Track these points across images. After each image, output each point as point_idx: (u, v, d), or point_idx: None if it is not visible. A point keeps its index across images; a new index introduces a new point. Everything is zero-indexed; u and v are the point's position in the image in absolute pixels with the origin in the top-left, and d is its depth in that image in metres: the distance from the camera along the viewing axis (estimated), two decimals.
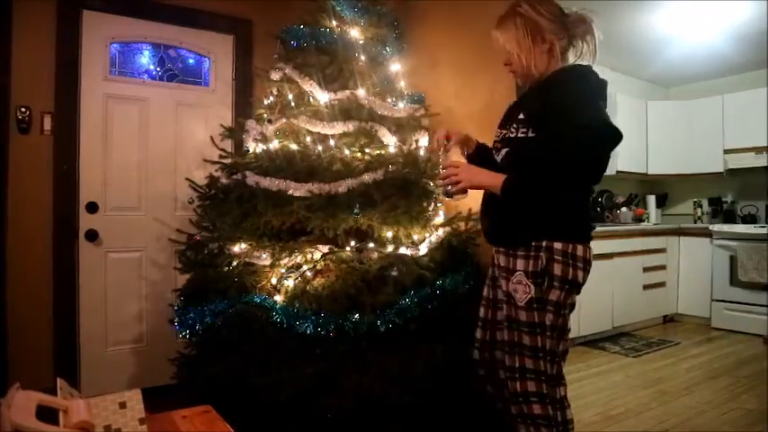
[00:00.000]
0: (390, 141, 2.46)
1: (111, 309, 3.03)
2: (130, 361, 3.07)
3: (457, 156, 1.84)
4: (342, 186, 2.26)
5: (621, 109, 5.09)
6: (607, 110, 1.58)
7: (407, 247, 2.28)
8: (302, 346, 2.06)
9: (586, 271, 1.63)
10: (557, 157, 1.49)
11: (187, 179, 2.81)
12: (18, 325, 2.72)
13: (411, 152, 2.46)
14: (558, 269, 1.57)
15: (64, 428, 0.91)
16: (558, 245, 1.57)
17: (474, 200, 2.65)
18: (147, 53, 3.20)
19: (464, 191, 1.71)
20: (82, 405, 0.96)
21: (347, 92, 2.46)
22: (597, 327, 4.31)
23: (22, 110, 2.74)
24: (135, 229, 3.10)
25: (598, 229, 4.52)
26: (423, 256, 2.28)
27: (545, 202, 1.58)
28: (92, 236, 2.96)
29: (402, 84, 2.70)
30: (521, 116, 1.66)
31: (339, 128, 2.43)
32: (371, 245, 2.26)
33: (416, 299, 2.13)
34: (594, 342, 4.24)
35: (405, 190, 2.37)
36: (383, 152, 2.43)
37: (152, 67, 3.21)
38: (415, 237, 2.32)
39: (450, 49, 2.92)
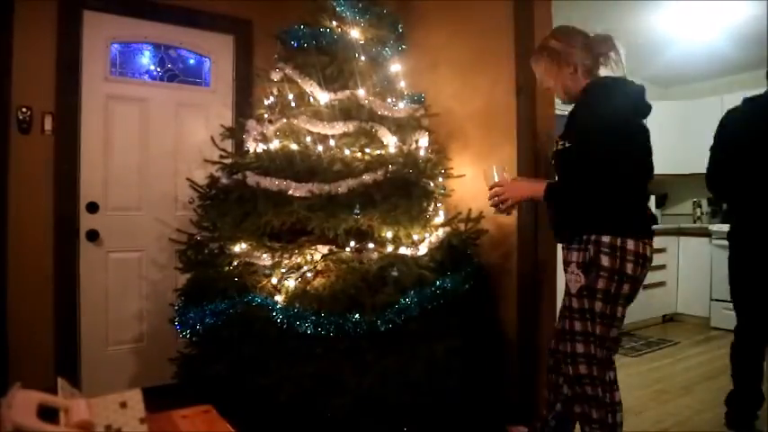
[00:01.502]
0: (390, 141, 2.47)
1: (112, 308, 3.03)
2: (131, 360, 3.08)
3: (501, 176, 2.01)
4: (342, 186, 2.26)
5: None
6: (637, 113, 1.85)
7: (407, 247, 2.29)
8: (302, 346, 2.06)
9: (638, 264, 1.74)
10: (579, 162, 1.75)
11: (187, 179, 2.81)
12: (19, 324, 2.72)
13: (411, 152, 2.46)
14: (605, 260, 1.71)
15: (65, 428, 0.91)
16: (605, 238, 1.72)
17: (473, 199, 2.66)
18: (147, 53, 3.20)
19: (513, 205, 1.95)
20: (82, 404, 0.96)
21: (347, 92, 2.47)
22: None
23: (23, 110, 2.75)
24: (135, 229, 3.10)
25: None
26: (423, 256, 2.28)
27: (589, 201, 1.76)
28: (92, 236, 2.96)
29: (402, 84, 2.71)
30: (563, 131, 1.89)
31: (339, 128, 2.44)
32: (371, 245, 2.27)
33: (416, 299, 2.13)
34: None
35: (405, 190, 2.37)
36: (383, 152, 2.43)
37: (152, 67, 3.21)
38: (415, 237, 2.33)
39: (450, 50, 2.92)
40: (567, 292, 1.83)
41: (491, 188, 1.95)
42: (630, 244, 1.71)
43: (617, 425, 1.77)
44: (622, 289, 1.74)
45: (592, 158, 1.71)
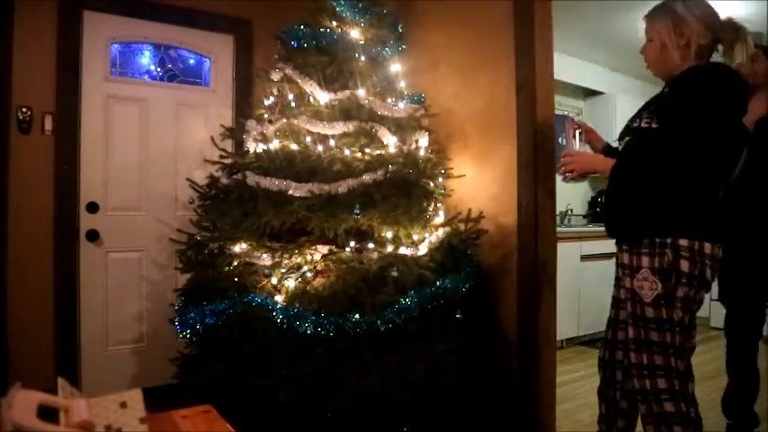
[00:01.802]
0: (390, 141, 2.47)
1: (112, 308, 3.03)
2: (131, 361, 3.08)
3: (579, 146, 1.95)
4: (342, 186, 2.26)
5: (621, 109, 5.09)
6: (733, 112, 1.60)
7: (407, 247, 2.28)
8: (302, 346, 2.06)
9: (714, 269, 1.64)
10: (663, 153, 1.56)
11: (187, 179, 2.81)
12: (19, 324, 2.72)
13: (411, 152, 2.46)
14: (685, 266, 1.59)
15: (65, 428, 0.91)
16: (683, 242, 1.59)
17: (473, 199, 2.66)
18: (147, 53, 3.20)
19: (579, 176, 1.79)
20: (83, 404, 0.96)
21: (347, 92, 2.47)
22: (597, 326, 4.31)
23: (23, 110, 2.75)
24: (135, 229, 3.10)
25: (598, 228, 4.53)
26: (423, 256, 2.28)
27: (664, 198, 1.61)
28: (92, 236, 2.96)
29: (402, 84, 2.71)
30: (652, 108, 1.71)
31: (339, 128, 2.44)
32: (371, 245, 2.26)
33: (416, 299, 2.13)
34: (594, 342, 4.24)
35: (405, 190, 2.37)
36: (383, 152, 2.43)
37: (152, 67, 3.21)
38: (415, 237, 2.33)
39: (450, 50, 2.92)
40: (634, 300, 1.67)
41: (562, 155, 1.80)
42: (707, 247, 1.60)
43: None
44: (699, 295, 1.65)
45: (691, 150, 1.53)
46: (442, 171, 2.66)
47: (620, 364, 1.87)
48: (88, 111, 2.96)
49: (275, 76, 2.65)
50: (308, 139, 2.46)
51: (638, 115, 1.75)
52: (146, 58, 3.20)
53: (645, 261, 1.63)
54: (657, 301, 1.61)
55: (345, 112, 2.47)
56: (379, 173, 2.31)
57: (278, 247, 2.28)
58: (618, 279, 1.85)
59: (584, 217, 5.30)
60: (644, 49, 1.80)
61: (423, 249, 2.30)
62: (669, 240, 1.60)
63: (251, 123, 2.67)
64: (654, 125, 1.65)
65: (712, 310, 4.77)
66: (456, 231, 2.42)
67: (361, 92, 2.47)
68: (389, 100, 2.58)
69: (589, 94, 5.31)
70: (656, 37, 1.73)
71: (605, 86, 5.24)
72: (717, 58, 1.73)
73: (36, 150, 2.79)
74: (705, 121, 1.53)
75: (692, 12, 1.67)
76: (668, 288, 1.60)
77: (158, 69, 3.22)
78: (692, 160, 1.54)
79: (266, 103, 2.70)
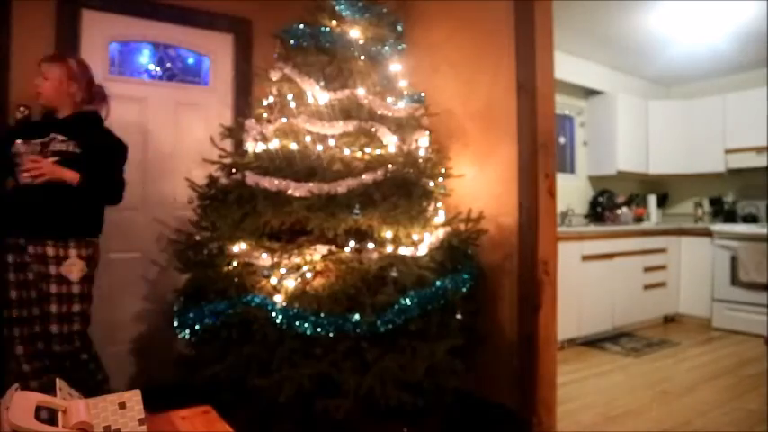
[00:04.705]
0: (390, 141, 2.45)
1: (111, 309, 3.01)
2: (130, 361, 3.07)
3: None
4: (342, 186, 2.25)
5: (622, 108, 5.09)
6: None
7: (407, 248, 2.28)
8: (302, 346, 2.06)
9: None
10: (105, 173, 2.33)
11: (186, 179, 2.80)
12: None
13: (411, 152, 2.45)
14: (95, 255, 2.35)
15: (63, 429, 0.91)
16: (94, 239, 2.35)
17: (473, 199, 2.65)
18: (146, 53, 3.19)
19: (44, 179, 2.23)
20: (81, 405, 0.96)
21: (347, 91, 2.46)
22: (597, 327, 4.31)
23: (21, 109, 2.73)
24: (135, 230, 3.09)
25: (599, 228, 4.53)
26: (423, 256, 2.27)
27: (96, 208, 2.38)
28: None
29: (402, 83, 2.70)
30: (61, 136, 2.25)
31: (339, 128, 2.43)
32: (371, 245, 2.26)
33: (416, 299, 2.12)
34: (595, 342, 4.23)
35: (405, 190, 2.36)
36: (383, 152, 2.43)
37: (151, 66, 3.21)
38: (415, 237, 2.32)
39: (450, 49, 2.91)
40: (58, 282, 2.20)
41: (30, 161, 2.20)
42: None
43: None
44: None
45: (118, 176, 2.42)
46: (442, 171, 2.65)
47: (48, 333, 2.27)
48: None
49: (274, 76, 2.64)
50: (308, 138, 2.45)
51: (44, 134, 2.26)
52: (145, 58, 3.19)
53: (72, 252, 2.23)
54: (84, 279, 2.27)
55: (345, 111, 2.46)
56: (378, 173, 2.30)
57: (277, 248, 2.27)
58: (23, 266, 2.29)
59: (585, 217, 5.29)
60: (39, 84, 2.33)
61: (423, 249, 2.30)
62: (90, 238, 2.31)
63: (250, 123, 2.66)
64: (76, 150, 2.24)
65: (714, 310, 4.77)
66: (456, 231, 2.41)
67: (360, 91, 2.46)
68: (389, 99, 2.57)
69: (590, 93, 5.31)
70: (58, 80, 2.32)
71: (606, 85, 5.24)
72: None
73: None
74: (123, 157, 2.46)
75: (84, 70, 2.41)
76: (89, 270, 2.29)
77: (157, 68, 3.22)
78: (118, 185, 2.40)
79: (265, 102, 2.69)
